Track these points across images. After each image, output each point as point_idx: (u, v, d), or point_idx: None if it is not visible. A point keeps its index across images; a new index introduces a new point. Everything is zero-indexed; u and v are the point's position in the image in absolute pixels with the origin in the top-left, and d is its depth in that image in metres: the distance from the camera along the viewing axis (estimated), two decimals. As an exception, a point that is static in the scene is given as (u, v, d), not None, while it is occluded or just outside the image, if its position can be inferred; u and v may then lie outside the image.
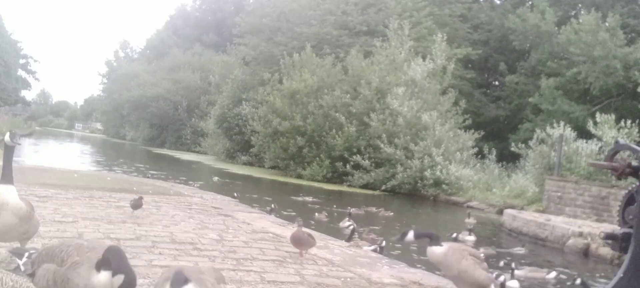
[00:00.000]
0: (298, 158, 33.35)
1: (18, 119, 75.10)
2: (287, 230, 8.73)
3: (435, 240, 5.19)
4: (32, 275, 3.22)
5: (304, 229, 6.78)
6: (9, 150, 4.44)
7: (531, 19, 37.44)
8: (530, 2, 41.90)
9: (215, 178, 26.59)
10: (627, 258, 3.76)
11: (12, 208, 4.23)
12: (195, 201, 11.28)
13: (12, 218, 4.22)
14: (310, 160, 32.61)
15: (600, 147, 22.11)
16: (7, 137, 4.44)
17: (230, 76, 46.21)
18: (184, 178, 23.18)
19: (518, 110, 39.38)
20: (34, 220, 4.55)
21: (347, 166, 30.55)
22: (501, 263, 10.63)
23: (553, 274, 10.19)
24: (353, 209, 16.42)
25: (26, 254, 3.50)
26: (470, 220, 16.75)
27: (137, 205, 8.27)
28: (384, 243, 10.51)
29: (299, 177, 32.43)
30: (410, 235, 5.33)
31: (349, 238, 10.65)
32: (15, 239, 4.58)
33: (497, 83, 47.20)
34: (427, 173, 27.73)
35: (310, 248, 6.63)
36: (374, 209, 18.56)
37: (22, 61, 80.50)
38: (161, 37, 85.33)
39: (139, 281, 4.80)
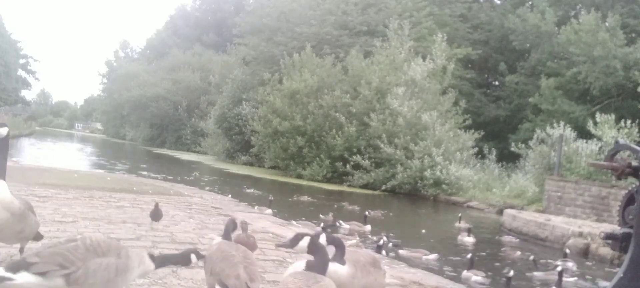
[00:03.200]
0: (298, 159, 33.35)
1: (18, 119, 75.17)
2: (288, 230, 8.74)
3: (340, 254, 4.11)
4: (42, 274, 3.10)
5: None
6: (2, 145, 4.27)
7: (531, 19, 37.45)
8: (530, 2, 41.89)
9: (195, 174, 26.74)
10: (627, 258, 3.76)
11: (1, 202, 4.14)
12: (195, 201, 11.28)
13: (2, 212, 4.15)
14: (310, 160, 32.61)
15: (600, 147, 22.13)
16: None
17: (230, 76, 46.20)
18: (170, 176, 23.25)
19: (518, 110, 39.39)
20: (30, 219, 4.45)
21: (347, 166, 30.55)
22: (381, 242, 10.90)
23: (434, 256, 10.91)
24: (367, 211, 16.30)
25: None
26: (461, 224, 16.43)
27: (157, 215, 7.29)
28: (383, 240, 10.66)
29: (299, 177, 32.42)
30: (323, 238, 4.06)
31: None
32: (11, 239, 4.53)
33: (497, 83, 47.19)
34: (427, 173, 27.72)
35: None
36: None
37: (22, 61, 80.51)
38: (161, 37, 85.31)
39: (139, 281, 4.81)
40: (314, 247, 3.23)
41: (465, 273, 9.85)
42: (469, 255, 10.19)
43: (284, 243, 3.35)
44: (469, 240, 13.83)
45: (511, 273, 8.89)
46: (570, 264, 11.53)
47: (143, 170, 26.18)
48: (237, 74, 45.53)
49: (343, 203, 19.14)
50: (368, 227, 13.62)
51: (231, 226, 4.28)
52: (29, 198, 8.57)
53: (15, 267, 3.01)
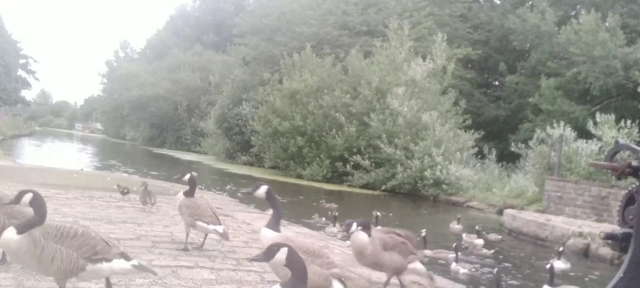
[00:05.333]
0: (298, 159, 33.35)
1: (18, 119, 75.18)
2: (288, 231, 8.73)
3: (275, 221, 4.17)
4: None
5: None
6: None
7: (531, 19, 37.42)
8: (530, 2, 41.88)
9: (194, 174, 26.69)
10: (627, 258, 3.76)
11: None
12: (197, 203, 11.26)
13: None
14: (310, 160, 32.61)
15: (600, 147, 22.10)
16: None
17: (230, 76, 46.21)
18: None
19: (518, 110, 39.38)
20: None
21: (347, 166, 30.53)
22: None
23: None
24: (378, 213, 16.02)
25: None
26: (457, 226, 16.16)
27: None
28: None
29: (299, 177, 32.42)
30: (262, 190, 4.58)
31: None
32: None
33: (497, 83, 47.17)
34: (427, 173, 27.71)
35: None
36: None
37: (22, 61, 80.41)
38: (161, 37, 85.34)
39: (139, 281, 4.81)
40: (292, 260, 2.94)
41: (453, 266, 10.01)
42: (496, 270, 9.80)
43: (258, 256, 3.03)
44: (478, 242, 13.11)
45: (496, 269, 8.94)
46: (561, 262, 11.45)
47: (143, 171, 26.18)
48: (237, 74, 45.53)
49: (321, 201, 19.10)
50: (378, 229, 13.36)
51: (193, 185, 6.52)
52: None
53: None
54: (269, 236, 4.10)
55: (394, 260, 5.19)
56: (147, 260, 5.60)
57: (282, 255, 2.93)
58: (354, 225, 4.96)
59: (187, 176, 6.66)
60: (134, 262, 4.02)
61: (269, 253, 2.95)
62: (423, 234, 11.50)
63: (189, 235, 6.72)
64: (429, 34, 36.59)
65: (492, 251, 12.51)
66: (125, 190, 10.29)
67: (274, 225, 4.22)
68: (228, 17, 65.58)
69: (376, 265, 5.25)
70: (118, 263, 3.94)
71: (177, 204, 6.58)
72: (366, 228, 4.96)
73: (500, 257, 12.21)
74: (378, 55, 33.52)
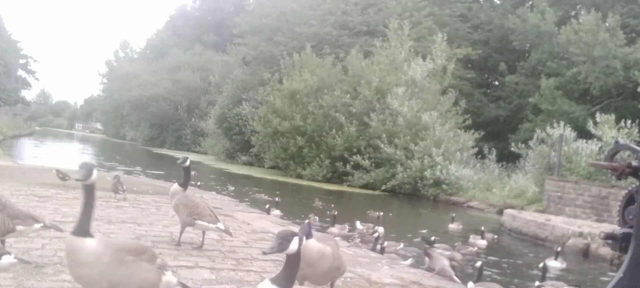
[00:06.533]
0: (298, 158, 33.36)
1: (18, 119, 75.20)
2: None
3: (87, 223, 3.36)
4: None
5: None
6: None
7: (531, 19, 37.43)
8: (530, 2, 41.89)
9: (185, 163, 26.67)
10: (627, 258, 3.75)
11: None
12: (195, 201, 11.25)
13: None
14: (310, 160, 32.62)
15: (600, 147, 22.11)
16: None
17: (230, 76, 46.24)
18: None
19: (518, 110, 39.39)
20: None
21: (347, 166, 30.55)
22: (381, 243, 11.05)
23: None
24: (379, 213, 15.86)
25: None
26: (454, 225, 16.18)
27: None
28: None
29: (299, 177, 32.43)
30: (188, 162, 6.14)
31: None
32: None
33: (497, 83, 47.19)
34: (427, 173, 27.72)
35: None
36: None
37: (22, 61, 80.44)
38: (161, 37, 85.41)
39: (139, 281, 4.80)
40: (298, 252, 2.86)
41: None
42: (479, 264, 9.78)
43: (272, 248, 2.84)
44: (482, 243, 13.23)
45: (479, 263, 8.97)
46: (557, 262, 11.42)
47: (143, 171, 26.17)
48: (237, 74, 45.56)
49: (316, 201, 19.06)
50: (381, 229, 13.34)
51: (188, 174, 6.57)
52: (29, 198, 8.59)
53: None
54: (85, 246, 3.29)
55: (343, 263, 4.49)
56: (147, 260, 5.58)
57: (294, 245, 2.83)
58: (311, 241, 4.01)
59: (187, 162, 6.59)
60: None
61: (284, 242, 2.83)
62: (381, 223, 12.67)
63: (188, 235, 6.71)
64: (429, 34, 36.62)
65: (475, 248, 12.48)
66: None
67: (85, 230, 3.36)
68: (228, 17, 65.62)
69: (328, 273, 4.21)
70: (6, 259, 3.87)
71: (172, 201, 6.47)
72: (310, 234, 4.03)
73: (485, 255, 12.19)
74: (378, 55, 33.53)
